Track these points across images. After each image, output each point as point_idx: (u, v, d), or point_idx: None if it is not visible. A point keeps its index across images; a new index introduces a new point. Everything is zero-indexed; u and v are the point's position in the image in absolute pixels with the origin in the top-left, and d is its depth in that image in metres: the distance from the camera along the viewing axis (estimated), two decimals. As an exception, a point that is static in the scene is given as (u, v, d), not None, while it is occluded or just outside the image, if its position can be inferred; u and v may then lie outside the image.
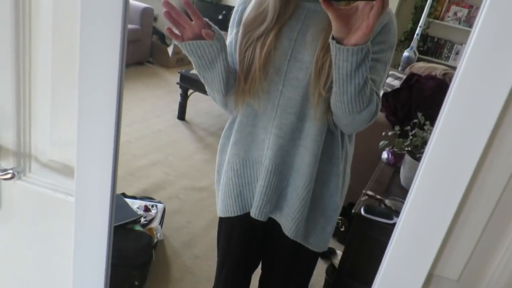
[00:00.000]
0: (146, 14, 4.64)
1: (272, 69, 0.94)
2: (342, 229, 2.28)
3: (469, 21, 4.72)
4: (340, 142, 1.01)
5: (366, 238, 1.69)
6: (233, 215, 1.09)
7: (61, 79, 0.56)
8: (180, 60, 5.00)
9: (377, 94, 0.91)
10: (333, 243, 2.25)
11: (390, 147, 2.11)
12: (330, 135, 0.99)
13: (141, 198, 2.20)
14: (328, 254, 2.13)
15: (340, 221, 2.30)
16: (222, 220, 1.18)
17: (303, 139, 0.98)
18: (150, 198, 2.26)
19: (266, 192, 1.01)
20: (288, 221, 1.04)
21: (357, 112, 0.87)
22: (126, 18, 0.46)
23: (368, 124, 0.93)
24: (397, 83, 3.43)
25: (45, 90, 0.57)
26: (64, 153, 0.59)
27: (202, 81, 0.97)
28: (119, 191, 2.25)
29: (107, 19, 0.48)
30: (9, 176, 0.51)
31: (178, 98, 3.51)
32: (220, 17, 5.35)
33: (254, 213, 1.04)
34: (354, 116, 0.88)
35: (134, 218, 1.89)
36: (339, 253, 2.10)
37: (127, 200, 2.05)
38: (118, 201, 1.99)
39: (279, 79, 0.94)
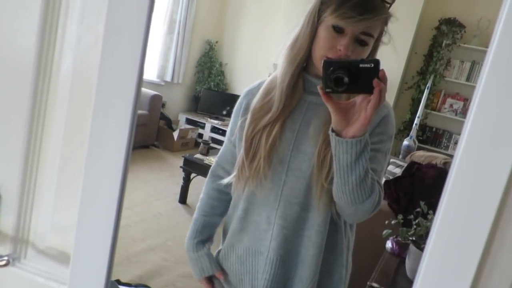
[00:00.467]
0: (155, 101, 4.86)
1: (276, 158, 0.96)
2: (348, 325, 2.14)
3: (465, 112, 4.89)
4: (343, 232, 0.99)
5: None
6: None
7: (68, 166, 0.57)
8: (185, 145, 5.12)
9: (379, 183, 0.92)
10: None
11: (394, 236, 2.07)
12: (334, 225, 0.98)
13: (136, 286, 2.10)
14: None
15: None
16: None
17: (307, 230, 0.97)
18: (145, 286, 2.16)
19: (271, 286, 0.98)
20: None
21: (359, 202, 0.87)
22: (134, 120, 0.48)
23: (372, 214, 0.92)
24: (398, 171, 3.45)
25: (51, 175, 0.58)
26: (63, 239, 0.59)
27: None
28: (114, 277, 2.16)
29: (118, 120, 0.51)
30: (3, 263, 0.50)
31: (180, 182, 3.53)
32: (224, 112, 5.61)
33: None
34: (356, 206, 0.88)
35: (127, 308, 1.79)
36: None
37: (121, 287, 1.96)
38: (111, 289, 1.91)
39: (282, 169, 0.96)
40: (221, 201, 1.13)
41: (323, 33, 0.90)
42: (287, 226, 0.96)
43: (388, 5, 0.91)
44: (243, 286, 1.05)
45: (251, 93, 1.04)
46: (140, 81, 0.49)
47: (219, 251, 1.11)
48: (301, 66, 0.96)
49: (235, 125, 1.04)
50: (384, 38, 0.95)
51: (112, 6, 0.46)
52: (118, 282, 2.05)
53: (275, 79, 0.99)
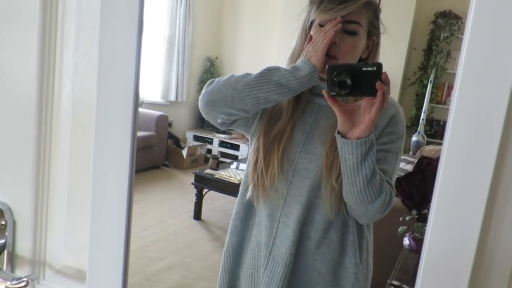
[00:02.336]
0: (161, 121, 4.92)
1: (286, 160, 0.99)
2: (372, 326, 2.12)
3: (471, 103, 4.87)
4: (355, 231, 1.00)
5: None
6: None
7: (76, 188, 0.60)
8: (195, 161, 5.16)
9: (390, 184, 0.93)
10: None
11: (410, 233, 2.06)
12: (342, 224, 0.99)
13: (158, 305, 2.12)
14: None
15: (369, 318, 2.14)
16: None
17: (305, 227, 0.99)
18: (167, 304, 2.18)
19: (272, 283, 0.99)
20: None
21: (369, 203, 0.88)
22: (135, 137, 0.51)
23: (384, 214, 0.93)
24: (409, 167, 3.44)
25: (61, 198, 0.61)
26: (78, 258, 0.61)
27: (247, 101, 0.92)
28: (135, 298, 2.18)
29: (118, 139, 0.53)
30: (23, 284, 0.52)
31: (193, 198, 3.56)
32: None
33: None
34: (366, 206, 0.89)
35: (150, 327, 1.80)
36: None
37: (143, 307, 1.97)
38: (134, 310, 1.92)
39: (290, 169, 0.98)
40: None
41: (313, 33, 0.94)
42: (289, 223, 0.98)
43: None
44: (253, 280, 1.06)
45: None
46: (136, 100, 0.52)
47: (226, 247, 1.13)
48: None
49: None
50: (381, 29, 1.00)
51: (104, 33, 0.49)
52: (140, 302, 2.07)
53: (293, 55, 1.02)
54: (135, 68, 0.51)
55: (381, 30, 1.00)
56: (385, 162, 0.93)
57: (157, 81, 5.48)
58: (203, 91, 0.99)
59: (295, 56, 0.99)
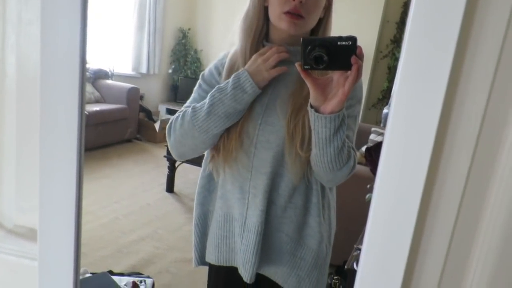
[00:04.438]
0: (133, 94, 4.81)
1: (246, 134, 0.98)
2: (340, 289, 2.20)
3: (441, 76, 4.95)
4: (319, 193, 1.02)
5: None
6: (216, 263, 1.10)
7: (25, 148, 0.58)
8: (168, 135, 5.10)
9: (353, 149, 0.96)
10: (331, 306, 2.15)
11: (377, 200, 2.11)
12: (307, 189, 1.02)
13: (129, 275, 2.12)
14: (328, 317, 2.03)
15: (337, 281, 2.22)
16: (211, 270, 1.19)
17: (270, 194, 1.01)
18: (139, 274, 2.18)
19: (247, 251, 1.01)
20: (278, 275, 1.05)
21: (337, 169, 0.91)
22: (83, 93, 0.49)
23: (348, 177, 0.96)
24: (380, 139, 3.50)
25: (10, 159, 0.58)
26: (30, 217, 0.60)
27: (206, 129, 0.95)
28: (106, 269, 2.17)
29: (66, 95, 0.51)
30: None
31: (166, 171, 3.53)
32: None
33: (241, 271, 1.04)
34: (335, 172, 0.92)
35: (121, 296, 1.81)
36: (339, 315, 2.00)
37: (114, 277, 1.97)
38: (104, 280, 1.92)
39: (251, 142, 0.99)
40: None
41: None
42: (257, 193, 1.00)
43: None
44: (220, 250, 1.08)
45: (221, 64, 1.04)
46: (83, 52, 0.50)
47: (195, 218, 1.14)
48: (259, 36, 0.98)
49: (210, 87, 1.02)
50: None
51: (45, 32, 0.47)
52: (111, 273, 2.07)
53: (235, 55, 1.00)
54: (81, 18, 0.48)
55: None
56: (347, 127, 0.94)
57: (128, 52, 5.32)
58: (168, 143, 1.03)
59: (249, 15, 0.98)
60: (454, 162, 0.49)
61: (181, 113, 0.99)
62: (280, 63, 0.94)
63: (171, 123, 1.01)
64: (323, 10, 0.97)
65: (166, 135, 1.02)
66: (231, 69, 0.99)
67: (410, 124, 0.47)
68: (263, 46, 0.98)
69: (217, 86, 0.94)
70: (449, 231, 0.52)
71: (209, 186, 1.11)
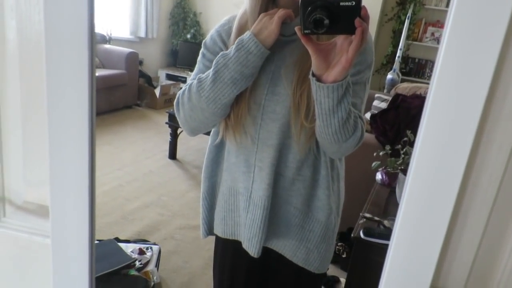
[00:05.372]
0: (132, 59, 4.71)
1: (252, 103, 0.94)
2: (344, 255, 2.23)
3: (447, 40, 4.84)
4: (327, 165, 0.99)
5: (368, 262, 1.65)
6: (223, 236, 1.09)
7: (31, 117, 0.54)
8: (168, 101, 5.04)
9: (361, 118, 0.91)
10: (336, 271, 2.18)
11: (383, 168, 2.10)
12: (316, 161, 0.99)
13: (135, 242, 2.14)
14: (332, 283, 2.06)
15: (341, 248, 2.24)
16: (218, 242, 1.18)
17: (277, 167, 0.98)
18: (144, 241, 2.20)
19: (253, 225, 1.00)
20: (287, 248, 1.04)
21: (343, 141, 0.87)
22: (93, 60, 0.45)
23: (355, 148, 0.92)
24: (383, 105, 3.46)
25: (15, 129, 0.55)
26: (39, 193, 0.57)
27: (215, 100, 0.89)
28: (112, 236, 2.19)
29: (74, 62, 0.47)
30: (-20, 222, 0.48)
31: (168, 138, 3.51)
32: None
33: (246, 246, 1.03)
34: (340, 144, 0.88)
35: (128, 263, 1.83)
36: (343, 280, 2.03)
37: (121, 244, 1.99)
38: (111, 246, 1.93)
39: (258, 113, 0.94)
40: None
41: None
42: (264, 167, 0.97)
43: None
44: (226, 223, 1.07)
45: (224, 30, 0.98)
46: (92, 10, 0.45)
47: (202, 192, 1.12)
48: None
49: (214, 54, 0.95)
50: None
51: None
52: (117, 239, 2.08)
53: (244, 15, 0.94)
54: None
55: None
56: (354, 94, 0.89)
57: (125, 15, 5.17)
58: (178, 119, 0.98)
59: None
60: (491, 160, 0.45)
61: (188, 86, 0.94)
62: (285, 28, 0.88)
63: (178, 98, 0.96)
64: None
65: (175, 111, 0.97)
66: (240, 31, 0.92)
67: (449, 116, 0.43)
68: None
69: (221, 52, 0.88)
70: (480, 229, 0.50)
71: (217, 159, 1.07)
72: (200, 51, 1.01)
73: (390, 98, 3.24)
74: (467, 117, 0.43)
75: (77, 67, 0.47)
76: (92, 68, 0.46)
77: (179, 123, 0.98)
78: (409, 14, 4.40)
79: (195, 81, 0.91)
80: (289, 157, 0.97)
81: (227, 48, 0.95)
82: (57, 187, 0.52)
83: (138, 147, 3.73)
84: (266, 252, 1.04)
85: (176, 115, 0.98)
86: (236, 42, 0.86)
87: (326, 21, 0.69)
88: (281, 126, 0.94)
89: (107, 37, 4.81)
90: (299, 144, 0.94)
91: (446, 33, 0.42)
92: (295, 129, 0.92)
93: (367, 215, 1.79)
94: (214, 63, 0.88)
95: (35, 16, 0.48)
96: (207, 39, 1.01)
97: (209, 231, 1.13)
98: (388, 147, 2.01)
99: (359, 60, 0.91)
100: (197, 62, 1.01)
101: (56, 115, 0.50)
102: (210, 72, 0.88)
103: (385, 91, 4.20)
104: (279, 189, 1.00)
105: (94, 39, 0.45)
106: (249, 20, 0.91)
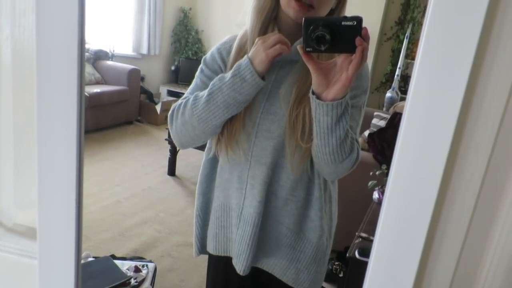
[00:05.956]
0: (134, 75, 4.76)
1: (248, 120, 0.95)
2: (341, 275, 2.21)
3: (446, 59, 4.88)
4: (321, 187, 1.00)
5: (363, 282, 1.64)
6: (214, 253, 1.09)
7: (23, 140, 0.56)
8: (169, 117, 5.06)
9: (357, 141, 0.92)
10: (332, 291, 2.17)
11: (380, 187, 2.10)
12: (310, 182, 1.00)
13: (131, 259, 2.13)
14: (328, 302, 2.04)
15: (338, 267, 2.23)
16: (211, 260, 1.18)
17: (270, 185, 0.98)
18: (140, 258, 2.19)
19: (242, 242, 1.00)
20: (276, 268, 1.03)
21: (339, 162, 0.88)
22: (82, 83, 0.47)
23: (350, 170, 0.93)
24: (382, 123, 3.48)
25: (7, 151, 0.56)
26: (29, 215, 0.58)
27: (208, 119, 0.91)
28: (108, 252, 2.18)
29: (64, 85, 0.49)
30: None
31: (167, 154, 3.52)
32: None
33: (235, 263, 1.03)
34: (336, 165, 0.88)
35: (123, 280, 1.82)
36: (339, 300, 2.02)
37: (117, 261, 1.98)
38: (106, 264, 1.93)
39: (253, 131, 0.96)
40: None
41: None
42: (256, 184, 0.97)
43: None
44: (217, 239, 1.08)
45: (225, 49, 1.00)
46: (82, 43, 0.47)
47: (196, 209, 1.13)
48: (270, 18, 0.94)
49: (212, 72, 0.99)
50: None
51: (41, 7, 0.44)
52: (113, 257, 2.08)
53: (245, 35, 0.96)
54: (79, 7, 0.45)
55: None
56: (350, 118, 0.89)
57: (128, 32, 5.24)
58: (170, 131, 0.99)
59: (260, 5, 0.93)
60: (470, 161, 0.47)
61: (183, 100, 0.96)
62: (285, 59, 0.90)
63: (173, 110, 0.97)
64: (336, 1, 0.92)
65: (168, 122, 0.99)
66: (240, 51, 0.95)
67: (427, 120, 0.45)
68: (273, 30, 0.94)
69: (220, 75, 0.90)
70: (462, 233, 0.50)
71: (211, 175, 1.08)
72: (199, 67, 1.03)
73: (389, 116, 3.26)
74: (440, 139, 0.45)
75: (66, 86, 0.49)
76: (81, 97, 0.48)
77: (171, 134, 1.00)
78: (407, 34, 4.46)
79: (191, 98, 0.93)
80: (282, 176, 0.98)
81: (225, 66, 0.97)
82: (45, 209, 0.53)
83: (138, 162, 3.74)
84: (256, 271, 1.04)
85: (169, 127, 1.00)
86: (234, 66, 0.87)
87: (328, 37, 0.71)
88: (275, 145, 0.94)
89: (110, 54, 4.88)
90: (292, 164, 0.95)
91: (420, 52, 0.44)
92: (290, 149, 0.93)
93: (363, 234, 1.78)
94: (211, 84, 0.89)
95: (29, 45, 0.50)
96: (207, 55, 1.03)
97: (202, 249, 1.14)
98: (384, 167, 2.02)
99: (356, 85, 0.93)
100: (195, 77, 1.03)
101: (45, 140, 0.51)
102: (206, 91, 0.90)
103: (384, 109, 4.22)
104: (272, 208, 1.01)
105: (83, 61, 0.47)
106: (249, 41, 0.93)
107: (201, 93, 0.92)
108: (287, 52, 0.84)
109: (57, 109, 0.50)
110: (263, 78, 0.86)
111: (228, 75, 0.87)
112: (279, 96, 0.93)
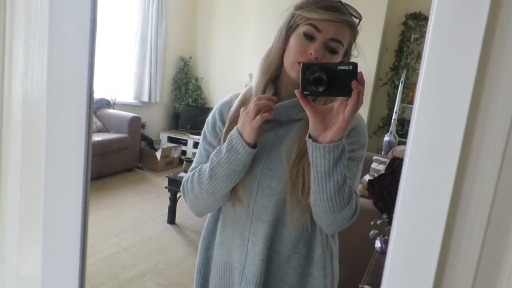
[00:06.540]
0: (135, 123, 4.83)
1: (248, 177, 0.97)
2: (346, 328, 2.15)
3: (441, 103, 4.97)
4: (323, 243, 1.00)
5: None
6: None
7: (28, 216, 0.57)
8: (169, 163, 5.09)
9: (355, 192, 0.92)
10: None
11: (382, 236, 2.08)
12: (311, 238, 1.00)
13: (130, 315, 2.07)
14: None
15: (342, 319, 2.17)
16: None
17: (273, 243, 0.98)
18: (139, 313, 2.13)
19: None
20: None
21: (338, 210, 0.87)
22: (89, 163, 0.49)
23: (350, 223, 0.93)
24: (381, 168, 3.50)
25: (12, 227, 0.58)
26: (31, 290, 0.58)
27: (216, 189, 0.94)
28: (106, 308, 2.13)
29: (70, 167, 0.51)
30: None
31: (167, 202, 3.51)
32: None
33: None
34: (335, 214, 0.88)
35: None
36: None
37: (115, 318, 1.93)
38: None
39: (253, 187, 0.97)
40: None
41: (294, 41, 0.91)
42: (257, 242, 0.98)
43: (357, 20, 0.93)
44: None
45: (226, 108, 1.04)
46: (90, 104, 0.50)
47: (197, 266, 1.12)
48: (274, 78, 0.98)
49: (214, 137, 1.03)
50: (354, 52, 0.98)
51: (52, 59, 0.47)
52: (111, 313, 2.02)
53: (250, 90, 1.00)
54: (88, 69, 0.48)
55: (355, 54, 0.97)
56: (348, 170, 0.92)
57: (130, 81, 5.38)
58: (186, 203, 1.04)
59: (270, 57, 0.97)
60: (472, 208, 0.46)
61: (191, 175, 1.00)
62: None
63: (184, 185, 1.02)
64: None
65: (182, 196, 1.04)
66: (244, 102, 0.98)
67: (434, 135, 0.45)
68: (275, 88, 0.98)
69: (216, 149, 0.94)
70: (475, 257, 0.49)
71: (214, 230, 1.08)
72: (203, 129, 1.07)
73: (388, 160, 3.28)
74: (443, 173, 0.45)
75: (73, 155, 0.51)
76: (88, 159, 0.50)
77: (187, 205, 1.03)
78: (402, 79, 4.57)
79: (196, 174, 0.97)
80: (284, 233, 0.98)
81: (223, 122, 1.01)
82: (48, 284, 0.53)
83: (137, 211, 3.72)
84: None
85: (183, 199, 1.04)
86: (227, 139, 0.91)
87: (325, 79, 0.74)
88: (276, 201, 0.95)
89: (112, 102, 4.98)
90: (292, 220, 0.95)
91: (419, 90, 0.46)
92: (291, 205, 0.94)
93: (366, 286, 1.75)
94: (210, 159, 0.94)
95: (40, 83, 0.51)
96: (209, 118, 1.07)
97: None
98: (385, 216, 2.02)
99: (353, 141, 0.95)
100: (200, 141, 1.06)
101: (51, 206, 0.53)
102: (207, 167, 0.94)
103: (383, 153, 4.26)
104: (274, 266, 1.00)
105: (91, 112, 0.49)
106: (253, 97, 0.96)
107: (204, 167, 0.96)
108: (270, 118, 0.87)
109: (62, 188, 0.51)
110: (255, 144, 0.90)
111: (223, 149, 0.91)
112: (280, 153, 0.95)
